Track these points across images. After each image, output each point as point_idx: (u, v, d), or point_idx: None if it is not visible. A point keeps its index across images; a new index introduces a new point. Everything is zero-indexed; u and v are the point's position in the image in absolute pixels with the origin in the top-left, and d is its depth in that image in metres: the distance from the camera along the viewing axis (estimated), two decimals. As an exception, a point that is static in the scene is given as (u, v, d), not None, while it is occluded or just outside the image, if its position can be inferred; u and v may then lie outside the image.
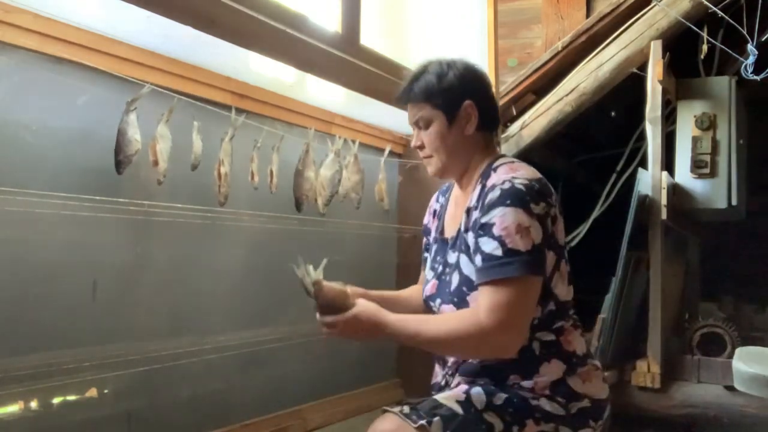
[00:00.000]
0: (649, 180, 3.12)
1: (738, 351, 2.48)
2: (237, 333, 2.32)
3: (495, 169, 1.40)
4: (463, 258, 1.39)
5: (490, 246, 1.28)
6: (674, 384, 3.15)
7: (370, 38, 2.51)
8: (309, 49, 2.09)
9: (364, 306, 1.39)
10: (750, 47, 2.95)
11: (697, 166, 3.28)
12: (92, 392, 1.90)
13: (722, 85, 3.33)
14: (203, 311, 2.25)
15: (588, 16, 3.40)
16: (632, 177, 3.36)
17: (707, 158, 3.27)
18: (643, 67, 3.17)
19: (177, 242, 2.14)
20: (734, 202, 3.27)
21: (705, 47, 3.17)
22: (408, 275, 3.20)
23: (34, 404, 1.76)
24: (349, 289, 1.45)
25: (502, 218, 1.28)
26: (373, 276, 3.09)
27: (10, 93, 1.70)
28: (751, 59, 2.95)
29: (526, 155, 3.49)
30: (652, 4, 3.14)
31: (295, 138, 2.37)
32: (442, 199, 1.65)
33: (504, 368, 1.36)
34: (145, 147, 1.84)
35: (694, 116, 3.31)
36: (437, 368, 1.50)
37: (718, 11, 2.97)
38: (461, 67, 1.46)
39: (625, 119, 3.89)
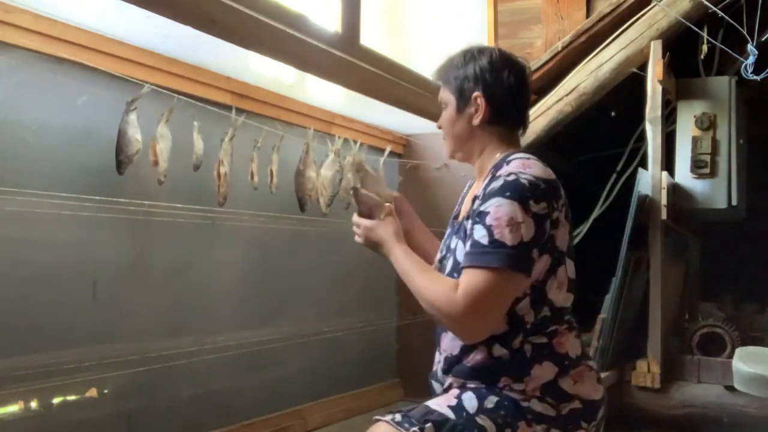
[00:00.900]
0: (649, 180, 3.12)
1: (738, 351, 2.48)
2: (237, 333, 2.32)
3: (508, 162, 1.39)
4: (459, 244, 1.40)
5: (479, 233, 1.29)
6: (674, 384, 3.14)
7: (370, 38, 2.50)
8: (309, 49, 2.09)
9: (386, 224, 1.49)
10: (750, 47, 2.94)
11: (697, 166, 3.28)
12: (92, 392, 1.90)
13: (722, 85, 3.33)
14: (203, 311, 2.25)
15: (588, 16, 3.39)
16: (632, 177, 3.36)
17: (707, 158, 3.27)
18: (643, 67, 3.17)
19: (177, 242, 2.14)
20: (734, 202, 3.27)
21: (705, 47, 3.17)
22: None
23: (34, 404, 1.76)
24: (392, 207, 1.54)
25: (497, 209, 1.28)
26: (374, 275, 3.09)
27: (10, 93, 1.70)
28: (751, 59, 2.95)
29: (526, 155, 3.47)
30: (652, 4, 3.14)
31: (295, 138, 2.37)
32: (469, 183, 1.65)
33: (495, 370, 1.35)
34: (145, 147, 1.84)
35: (694, 116, 3.31)
36: (436, 356, 1.49)
37: (718, 11, 2.96)
38: (485, 60, 1.45)
39: (625, 119, 3.89)
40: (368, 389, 3.05)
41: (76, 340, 1.85)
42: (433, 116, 2.74)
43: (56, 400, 1.81)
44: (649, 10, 3.16)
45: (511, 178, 1.32)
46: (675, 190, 3.26)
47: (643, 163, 3.33)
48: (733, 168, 3.28)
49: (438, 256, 1.55)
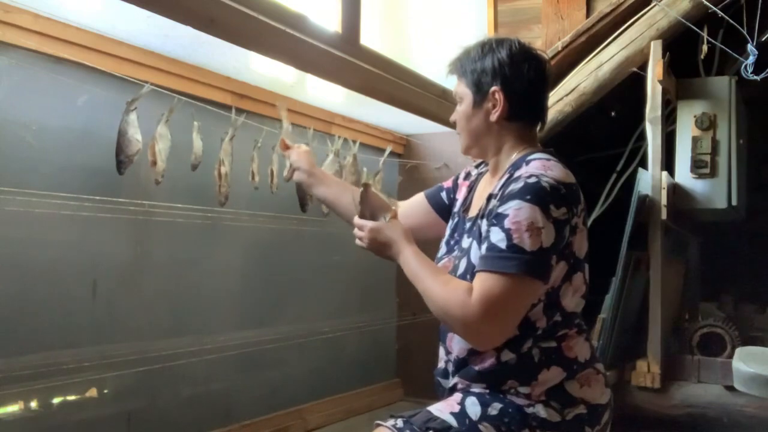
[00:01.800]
0: (649, 180, 3.11)
1: (738, 351, 2.48)
2: (237, 333, 2.32)
3: (528, 162, 1.34)
4: (474, 245, 1.35)
5: (497, 237, 1.23)
6: (674, 384, 3.14)
7: (370, 38, 2.50)
8: (309, 49, 2.09)
9: (393, 225, 1.41)
10: (750, 47, 2.94)
11: (697, 166, 3.27)
12: (92, 392, 1.90)
13: (722, 85, 3.33)
14: (203, 311, 2.25)
15: (588, 16, 3.39)
16: (632, 177, 3.36)
17: (707, 158, 3.27)
18: (643, 67, 3.17)
19: (177, 242, 2.14)
20: (734, 202, 3.26)
21: (705, 47, 3.17)
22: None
23: (34, 404, 1.76)
24: (397, 210, 1.48)
25: (517, 212, 1.23)
26: (374, 275, 3.09)
27: (10, 93, 1.70)
28: (751, 59, 2.95)
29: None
30: (652, 4, 3.14)
31: (295, 138, 2.37)
32: (474, 172, 1.58)
33: (502, 374, 1.33)
34: (145, 147, 1.84)
35: (694, 116, 3.30)
36: (441, 352, 1.47)
37: (718, 11, 2.96)
38: (504, 53, 1.38)
39: (625, 119, 3.88)
40: (368, 389, 3.05)
41: (76, 340, 1.85)
42: (434, 116, 2.76)
43: (56, 400, 1.81)
44: (649, 10, 3.16)
45: (532, 180, 1.26)
46: (675, 190, 3.26)
47: (643, 163, 3.32)
48: (733, 168, 3.28)
49: (443, 249, 1.51)
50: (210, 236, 2.25)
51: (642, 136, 3.41)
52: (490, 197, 1.36)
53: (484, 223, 1.33)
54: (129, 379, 1.94)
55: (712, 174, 3.27)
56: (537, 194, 1.24)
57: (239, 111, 2.16)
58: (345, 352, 2.92)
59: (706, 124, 3.27)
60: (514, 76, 1.37)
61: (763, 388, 2.14)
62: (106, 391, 1.93)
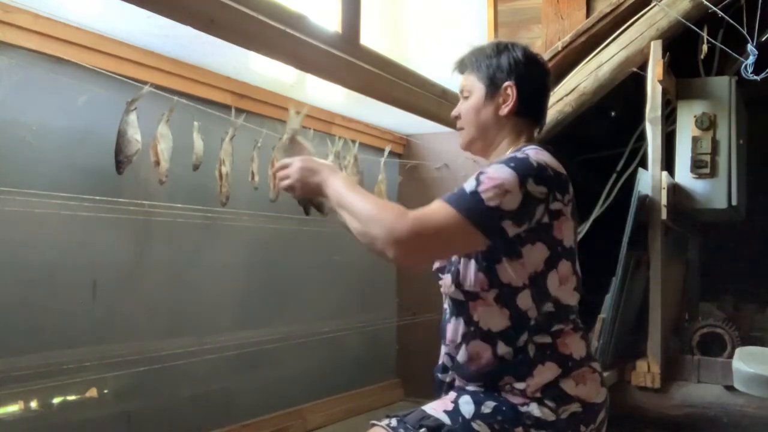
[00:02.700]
0: (649, 180, 3.12)
1: (738, 351, 2.48)
2: (237, 333, 2.32)
3: (522, 151, 1.37)
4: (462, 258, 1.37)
5: (468, 183, 1.26)
6: (674, 384, 3.14)
7: (370, 38, 2.50)
8: (309, 49, 2.09)
9: (318, 160, 1.45)
10: (750, 47, 2.94)
11: (697, 166, 3.28)
12: (92, 392, 1.90)
13: (722, 85, 3.33)
14: (203, 311, 2.25)
15: (588, 16, 3.39)
16: (632, 177, 3.36)
17: (707, 158, 3.27)
18: (643, 67, 3.17)
19: (177, 242, 2.14)
20: (734, 202, 3.26)
21: (705, 47, 3.17)
22: (408, 275, 3.21)
23: (34, 404, 1.76)
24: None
25: (496, 170, 1.26)
26: (374, 275, 3.09)
27: (10, 93, 1.70)
28: (751, 59, 2.95)
29: (526, 155, 3.47)
30: (652, 4, 3.14)
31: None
32: None
33: (499, 371, 1.34)
34: (145, 147, 1.84)
35: (694, 116, 3.31)
36: (442, 348, 1.48)
37: (718, 11, 2.96)
38: (518, 53, 1.44)
39: (625, 119, 3.89)
40: (368, 389, 3.06)
41: (76, 340, 1.85)
42: (434, 116, 2.76)
43: (56, 400, 1.81)
44: (649, 10, 3.16)
45: (521, 155, 1.31)
46: (675, 190, 3.26)
47: (643, 163, 3.32)
48: (733, 168, 3.28)
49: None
50: (210, 236, 2.25)
51: (642, 136, 3.41)
52: None
53: None
54: (129, 379, 1.94)
55: (712, 174, 3.27)
56: (521, 165, 1.27)
57: (239, 111, 2.16)
58: (345, 352, 2.92)
59: (706, 124, 3.27)
60: (526, 75, 1.42)
61: (763, 388, 2.14)
62: (106, 391, 1.93)
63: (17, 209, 1.65)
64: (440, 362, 1.47)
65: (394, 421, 1.31)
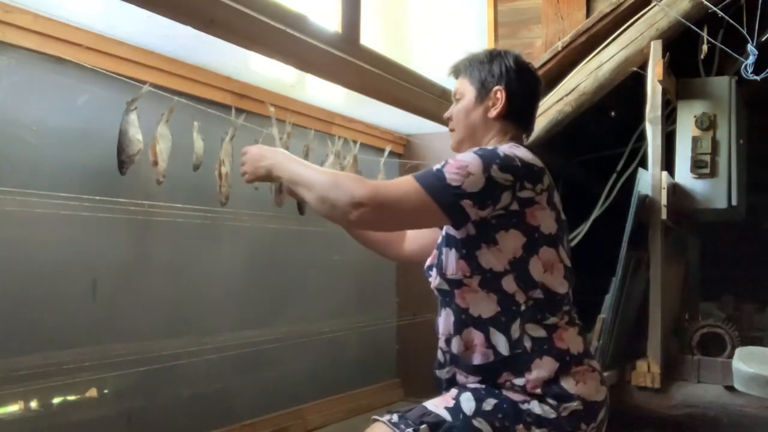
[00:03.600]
0: (649, 180, 3.11)
1: (738, 351, 2.48)
2: (237, 333, 2.32)
3: (497, 146, 1.43)
4: (451, 230, 1.41)
5: (436, 165, 1.33)
6: (674, 384, 3.14)
7: (370, 38, 2.51)
8: (309, 49, 2.09)
9: (267, 147, 1.55)
10: (750, 47, 2.94)
11: (697, 166, 3.27)
12: (92, 392, 1.90)
13: (722, 85, 3.33)
14: (203, 311, 2.25)
15: (588, 16, 3.39)
16: (632, 177, 3.36)
17: (707, 158, 3.26)
18: (643, 67, 3.17)
19: (177, 242, 2.14)
20: (734, 202, 3.26)
21: (705, 47, 3.17)
22: (408, 274, 3.21)
23: (34, 404, 1.76)
24: None
25: (463, 156, 1.33)
26: (374, 275, 3.09)
27: (10, 93, 1.70)
28: (751, 59, 2.95)
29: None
30: (652, 4, 3.13)
31: (295, 138, 2.37)
32: None
33: (496, 366, 1.36)
34: (145, 147, 1.84)
35: (694, 116, 3.30)
36: (440, 345, 1.49)
37: (718, 11, 2.96)
38: (511, 60, 1.51)
39: (625, 119, 3.88)
40: (368, 389, 3.06)
41: (76, 340, 1.85)
42: (434, 116, 2.76)
43: (56, 400, 1.81)
44: (649, 10, 3.16)
45: (491, 147, 1.39)
46: (675, 190, 3.26)
47: (643, 163, 3.32)
48: (733, 168, 3.28)
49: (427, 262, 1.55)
50: (210, 236, 2.25)
51: (642, 136, 3.41)
52: None
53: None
54: (129, 379, 1.94)
55: (712, 174, 3.27)
56: (487, 153, 1.34)
57: (239, 111, 2.16)
58: (345, 352, 2.92)
59: (706, 124, 3.27)
60: (516, 81, 1.49)
61: (763, 388, 2.14)
62: (106, 391, 1.93)
63: (17, 209, 1.65)
64: (437, 359, 1.49)
65: (395, 417, 1.33)
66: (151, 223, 2.02)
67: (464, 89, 1.53)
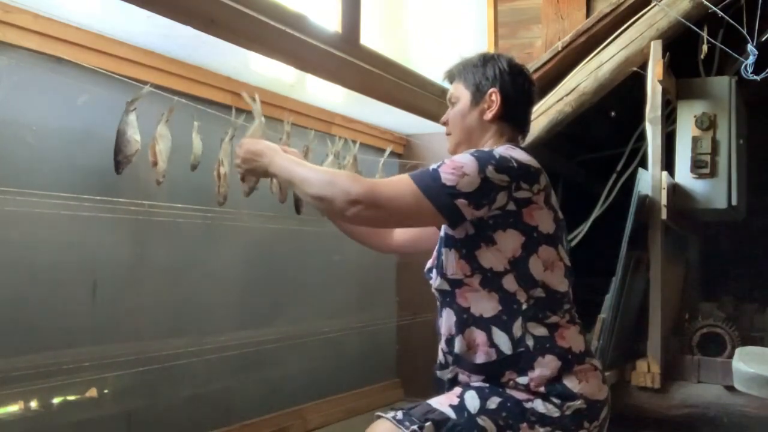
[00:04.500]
0: (649, 180, 3.11)
1: (738, 351, 2.48)
2: (237, 333, 2.32)
3: (493, 148, 1.44)
4: (449, 231, 1.41)
5: (432, 165, 1.34)
6: (674, 384, 3.14)
7: (370, 38, 2.51)
8: (309, 49, 2.09)
9: (262, 141, 1.54)
10: (750, 47, 2.94)
11: (697, 166, 3.27)
12: (92, 392, 1.90)
13: (722, 85, 3.33)
14: (203, 311, 2.25)
15: (588, 16, 3.39)
16: (632, 177, 3.36)
17: (707, 158, 3.26)
18: (643, 67, 3.17)
19: (177, 242, 2.14)
20: (734, 202, 3.26)
21: (705, 47, 3.17)
22: (408, 274, 3.21)
23: (34, 404, 1.76)
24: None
25: (459, 156, 1.35)
26: (373, 275, 3.09)
27: (10, 93, 1.70)
28: (751, 59, 2.95)
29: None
30: (652, 4, 3.14)
31: (295, 138, 2.37)
32: None
33: (499, 365, 1.36)
34: (145, 147, 1.84)
35: (694, 116, 3.30)
36: (441, 346, 1.49)
37: (718, 11, 2.96)
38: (504, 63, 1.52)
39: (625, 119, 3.88)
40: (368, 389, 3.05)
41: (76, 340, 1.85)
42: (434, 116, 2.76)
43: (56, 400, 1.81)
44: (649, 10, 3.16)
45: (487, 148, 1.40)
46: (675, 190, 3.26)
47: (643, 163, 3.32)
48: (733, 168, 3.28)
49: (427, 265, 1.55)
50: (210, 236, 2.25)
51: (642, 136, 3.41)
52: None
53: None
54: (129, 379, 1.94)
55: (712, 174, 3.27)
56: (482, 154, 1.35)
57: (239, 111, 2.16)
58: (345, 352, 2.92)
59: (706, 124, 3.27)
60: (510, 83, 1.51)
61: (763, 388, 2.14)
62: (106, 391, 1.93)
63: (17, 209, 1.65)
64: (438, 360, 1.49)
65: (399, 414, 1.33)
66: (151, 223, 2.02)
67: (459, 93, 1.54)
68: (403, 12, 3.24)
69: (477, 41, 3.34)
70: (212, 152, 2.04)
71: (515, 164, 1.36)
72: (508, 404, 1.33)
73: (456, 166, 1.31)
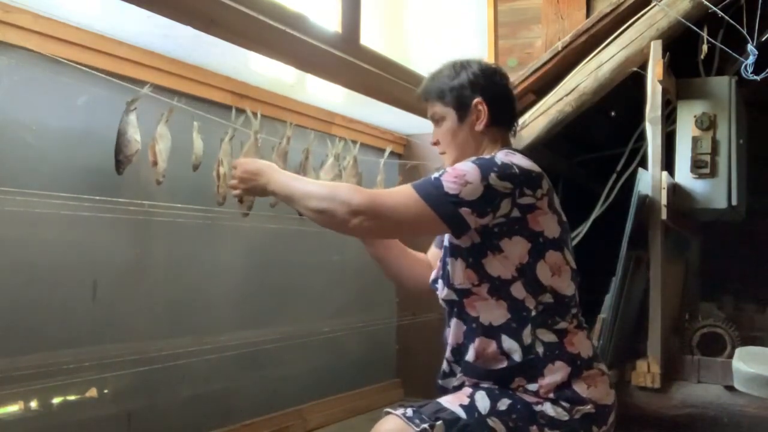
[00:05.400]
0: (649, 180, 3.11)
1: (738, 351, 2.47)
2: (237, 333, 2.32)
3: (493, 154, 1.42)
4: (454, 241, 1.40)
5: (434, 174, 1.33)
6: (674, 384, 3.14)
7: (370, 38, 2.51)
8: (309, 49, 2.09)
9: (257, 160, 1.53)
10: (750, 47, 2.94)
11: (697, 166, 3.27)
12: (92, 392, 1.90)
13: (722, 85, 3.32)
14: (203, 311, 2.25)
15: (588, 16, 3.39)
16: (632, 177, 3.36)
17: (707, 158, 3.26)
18: (643, 67, 3.17)
19: (177, 242, 2.14)
20: (734, 202, 3.26)
21: (705, 47, 3.17)
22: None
23: (34, 404, 1.76)
24: None
25: (461, 165, 1.34)
26: (373, 275, 3.09)
27: (10, 93, 1.70)
28: (751, 59, 2.94)
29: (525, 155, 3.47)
30: (652, 4, 3.14)
31: (295, 139, 2.37)
32: None
33: (509, 372, 1.36)
34: (145, 147, 1.84)
35: (694, 116, 3.30)
36: (446, 354, 1.49)
37: (718, 11, 2.96)
38: (475, 67, 1.50)
39: (625, 119, 3.88)
40: (368, 389, 3.05)
41: (76, 340, 1.85)
42: (433, 116, 2.76)
43: (56, 400, 1.81)
44: (649, 10, 3.16)
45: (487, 156, 1.39)
46: (675, 190, 3.26)
47: (643, 163, 3.32)
48: (733, 168, 3.28)
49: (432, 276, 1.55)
50: (210, 236, 2.25)
51: (642, 136, 3.41)
52: None
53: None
54: (129, 379, 1.94)
55: (712, 174, 3.27)
56: (484, 162, 1.35)
57: (239, 111, 2.16)
58: (345, 352, 2.92)
59: (706, 124, 3.27)
60: (489, 86, 1.49)
61: (763, 388, 2.13)
62: (106, 391, 1.93)
63: (17, 209, 1.65)
64: (441, 370, 1.49)
65: (409, 411, 1.32)
66: (151, 223, 2.02)
67: (442, 111, 1.50)
68: (403, 12, 3.24)
69: (477, 41, 3.34)
70: (212, 152, 2.04)
71: (517, 170, 1.35)
72: (518, 406, 1.33)
73: (458, 174, 1.30)
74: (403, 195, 1.31)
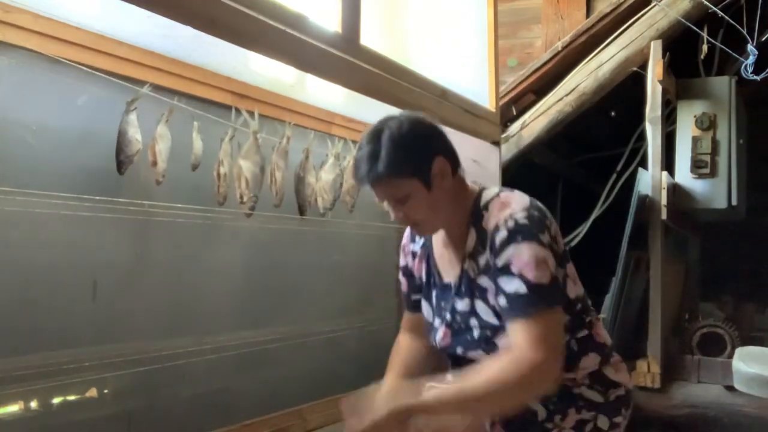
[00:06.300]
0: (649, 180, 3.12)
1: (738, 351, 2.48)
2: (237, 333, 2.32)
3: (486, 208, 1.38)
4: (480, 304, 1.38)
5: (512, 285, 1.28)
6: (674, 384, 3.15)
7: (370, 38, 2.50)
8: (309, 49, 2.08)
9: (389, 396, 1.36)
10: (750, 47, 2.95)
11: (697, 166, 3.28)
12: (92, 392, 1.90)
13: (722, 85, 3.33)
14: (203, 311, 2.25)
15: (588, 16, 3.40)
16: (632, 177, 3.36)
17: (707, 158, 3.27)
18: (643, 67, 3.17)
19: (177, 242, 2.14)
20: (734, 202, 3.27)
21: (705, 47, 3.17)
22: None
23: (34, 404, 1.76)
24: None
25: (519, 256, 1.28)
26: (373, 275, 3.09)
27: (10, 93, 1.70)
28: (751, 59, 2.95)
29: (526, 155, 3.49)
30: (652, 4, 3.14)
31: (294, 138, 2.37)
32: (419, 241, 1.57)
33: None
34: (145, 147, 1.84)
35: (694, 116, 3.31)
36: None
37: (718, 11, 2.97)
38: (408, 125, 1.36)
39: (625, 119, 3.89)
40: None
41: (76, 340, 1.85)
42: (433, 116, 2.75)
43: (56, 400, 1.81)
44: (649, 10, 3.16)
45: (511, 224, 1.31)
46: (675, 190, 3.26)
47: (643, 163, 3.33)
48: (733, 168, 3.28)
49: (437, 321, 1.51)
50: (210, 236, 2.25)
51: (642, 136, 3.41)
52: (472, 255, 1.39)
53: (484, 280, 1.37)
54: (129, 379, 1.94)
55: (712, 174, 3.27)
56: (523, 232, 1.30)
57: (239, 111, 2.16)
58: (345, 352, 2.92)
59: (706, 124, 3.28)
60: (436, 136, 1.39)
61: (763, 388, 2.14)
62: (106, 391, 1.93)
63: (17, 209, 1.65)
64: None
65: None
66: (151, 223, 2.02)
67: (407, 187, 1.34)
68: (403, 12, 3.23)
69: (477, 41, 3.34)
70: (212, 152, 2.04)
71: (536, 212, 1.34)
72: (557, 390, 1.36)
73: (535, 263, 1.27)
74: (545, 322, 1.26)
